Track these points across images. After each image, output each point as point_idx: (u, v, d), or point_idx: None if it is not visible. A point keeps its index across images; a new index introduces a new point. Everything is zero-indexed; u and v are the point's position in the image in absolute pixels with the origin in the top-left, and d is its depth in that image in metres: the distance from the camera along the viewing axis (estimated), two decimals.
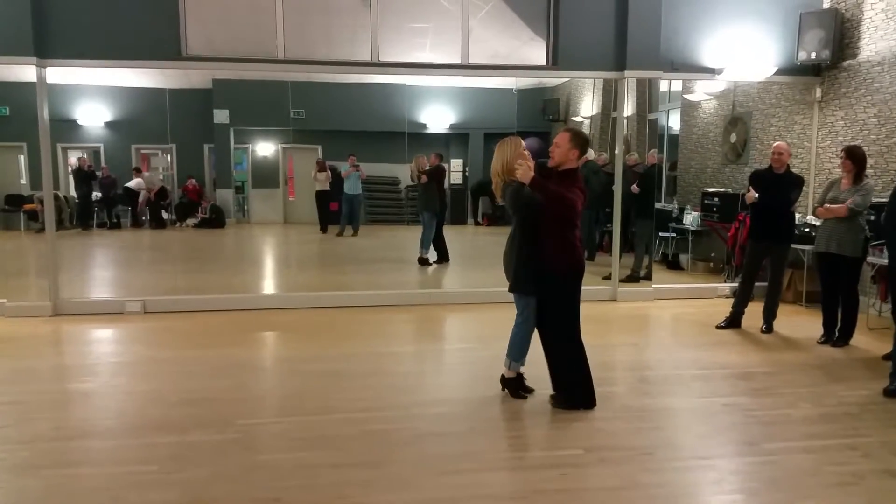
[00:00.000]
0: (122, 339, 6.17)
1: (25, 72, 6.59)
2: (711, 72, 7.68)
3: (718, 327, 6.45)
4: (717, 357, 5.53)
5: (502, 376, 4.50)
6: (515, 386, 4.46)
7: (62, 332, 6.34)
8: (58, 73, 7.27)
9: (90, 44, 6.66)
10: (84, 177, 14.67)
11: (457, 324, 6.99)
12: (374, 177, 16.31)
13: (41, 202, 14.48)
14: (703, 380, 4.96)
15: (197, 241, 13.83)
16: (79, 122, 15.34)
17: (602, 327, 6.50)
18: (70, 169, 15.23)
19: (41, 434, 3.89)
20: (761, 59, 7.69)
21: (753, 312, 6.45)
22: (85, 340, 6.21)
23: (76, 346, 6.08)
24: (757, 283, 6.49)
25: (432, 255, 10.10)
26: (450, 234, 14.88)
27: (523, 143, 4.35)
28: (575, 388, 4.26)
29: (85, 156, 15.20)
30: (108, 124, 15.60)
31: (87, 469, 3.44)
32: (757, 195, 6.15)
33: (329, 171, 14.67)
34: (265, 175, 16.85)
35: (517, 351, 4.38)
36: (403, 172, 16.92)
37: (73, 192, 14.93)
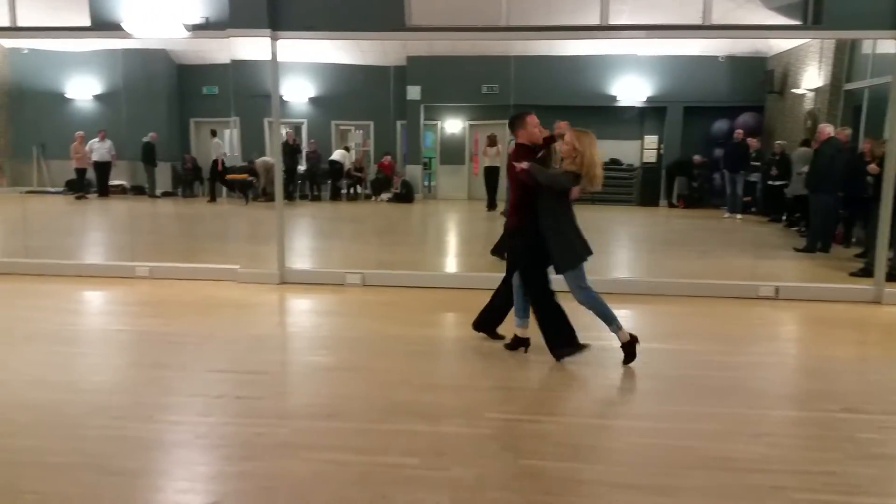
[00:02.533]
0: (349, 311, 6.15)
1: (235, 51, 6.74)
2: None
3: None
4: None
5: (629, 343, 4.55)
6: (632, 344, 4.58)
7: (292, 302, 6.47)
8: (262, 50, 7.40)
9: (319, 16, 6.67)
10: (290, 151, 15.40)
11: (676, 319, 6.30)
12: None
13: (251, 173, 15.51)
14: None
15: (392, 215, 14.08)
16: (284, 97, 16.11)
17: (861, 336, 5.55)
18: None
19: (294, 410, 3.82)
20: None
21: None
22: (314, 311, 6.30)
23: (308, 317, 6.17)
24: None
25: None
26: (641, 216, 13.99)
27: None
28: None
29: (291, 130, 15.96)
30: (312, 100, 16.27)
31: (348, 455, 3.26)
32: None
33: (499, 147, 14.19)
34: (452, 151, 16.81)
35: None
36: None
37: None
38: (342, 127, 16.93)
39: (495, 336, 5.10)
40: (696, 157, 15.88)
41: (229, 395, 4.01)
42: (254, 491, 2.95)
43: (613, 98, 16.04)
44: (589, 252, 4.60)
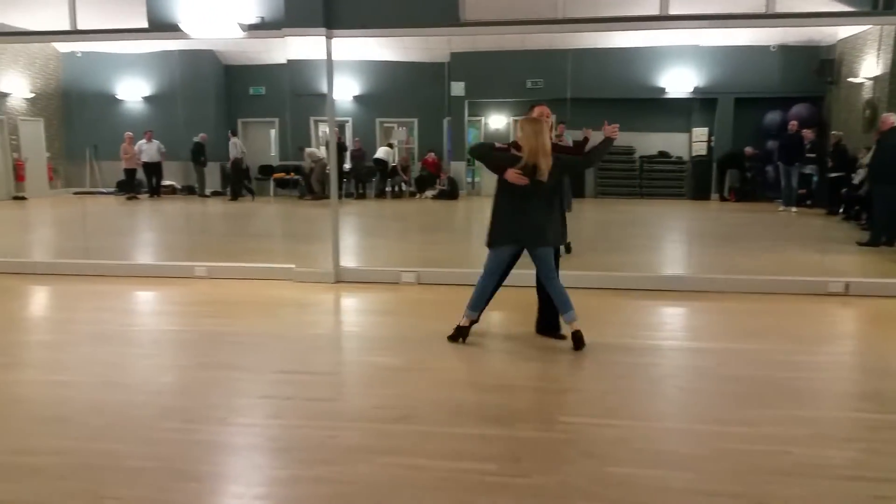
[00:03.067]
0: (406, 310, 6.10)
1: (280, 52, 6.72)
2: None
3: None
4: None
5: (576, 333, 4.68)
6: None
7: (349, 301, 6.45)
8: (309, 49, 7.38)
9: (373, 13, 6.63)
10: (336, 149, 15.45)
11: (744, 318, 6.08)
12: None
13: (297, 171, 15.62)
14: None
15: (438, 212, 14.02)
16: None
17: None
18: (323, 141, 16.19)
19: (364, 413, 3.77)
20: None
21: None
22: (372, 310, 6.25)
23: (366, 317, 6.13)
24: None
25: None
26: (691, 209, 13.69)
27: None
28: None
29: (336, 129, 16.02)
30: (356, 98, 16.31)
31: (423, 460, 3.19)
32: None
33: None
34: None
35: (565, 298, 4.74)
36: (638, 141, 15.88)
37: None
38: (386, 124, 16.94)
39: (558, 336, 4.99)
40: (748, 150, 15.49)
41: (298, 396, 3.97)
42: (331, 496, 2.90)
43: (662, 90, 15.73)
44: (513, 241, 4.77)
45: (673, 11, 6.46)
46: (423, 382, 4.22)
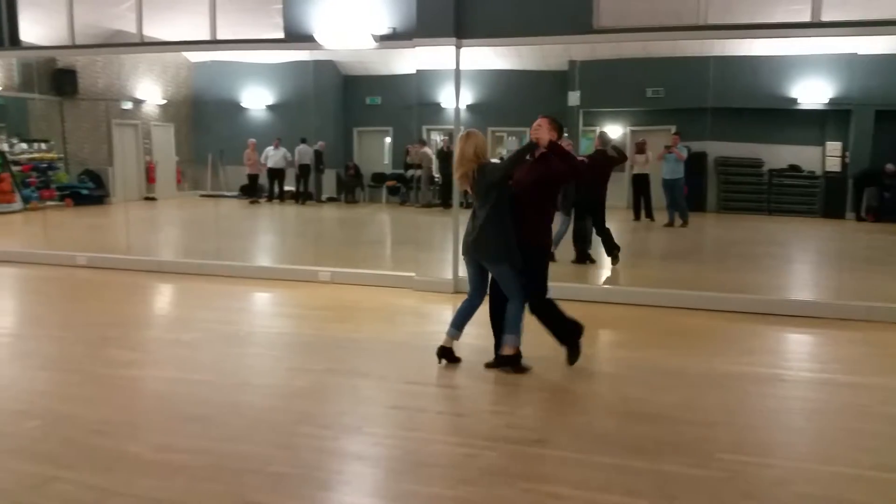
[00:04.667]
0: (531, 325, 5.90)
1: (398, 63, 6.74)
2: None
3: None
4: None
5: (502, 357, 4.47)
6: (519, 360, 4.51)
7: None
8: (428, 59, 7.34)
9: (504, 22, 6.54)
10: (444, 158, 15.53)
11: (893, 351, 5.51)
12: (731, 158, 14.76)
13: (399, 179, 15.84)
14: None
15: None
16: (442, 104, 16.28)
17: None
18: (435, 149, 16.31)
19: (498, 432, 3.62)
20: None
21: None
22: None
23: (489, 329, 5.99)
24: None
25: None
26: (824, 228, 12.81)
27: None
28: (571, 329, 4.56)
29: (446, 137, 16.10)
30: (469, 107, 16.32)
31: (567, 489, 3.01)
32: None
33: (649, 154, 13.29)
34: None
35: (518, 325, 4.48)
36: (767, 153, 15.01)
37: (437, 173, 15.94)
38: (497, 133, 16.84)
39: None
40: (889, 167, 14.28)
41: (430, 409, 3.91)
42: None
43: (793, 101, 14.80)
44: (463, 252, 4.62)
45: (825, 18, 6.00)
46: (555, 404, 4.06)
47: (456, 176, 4.58)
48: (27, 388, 4.26)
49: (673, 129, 15.09)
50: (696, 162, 14.02)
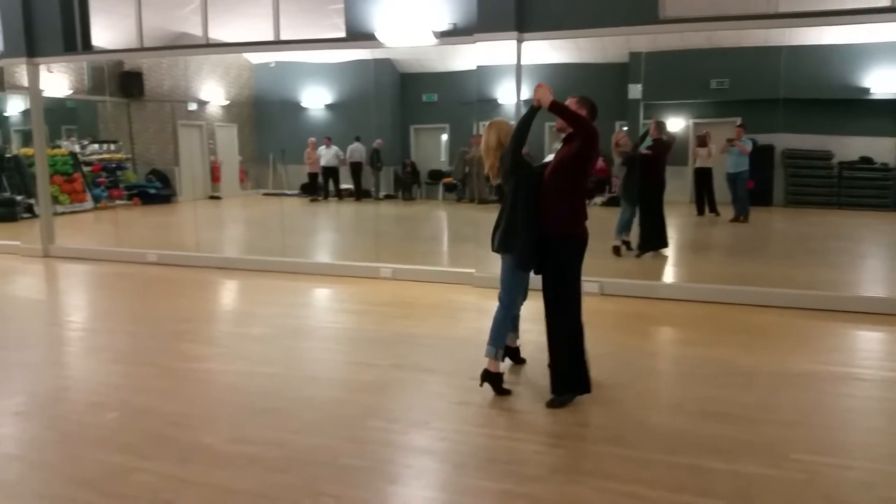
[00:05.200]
0: (592, 322, 5.73)
1: (453, 60, 6.70)
2: None
3: None
4: None
5: (484, 372, 4.04)
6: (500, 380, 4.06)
7: (529, 309, 6.22)
8: (486, 55, 7.28)
9: (566, 14, 6.44)
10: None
11: None
12: (799, 150, 14.24)
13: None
14: None
15: (609, 219, 13.53)
16: (499, 100, 16.22)
17: None
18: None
19: (565, 430, 3.58)
20: None
21: None
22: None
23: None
24: None
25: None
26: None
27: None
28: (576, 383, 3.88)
29: None
30: (526, 102, 16.21)
31: (642, 489, 2.96)
32: None
33: (711, 147, 12.88)
34: (672, 152, 15.86)
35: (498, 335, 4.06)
36: (837, 145, 14.44)
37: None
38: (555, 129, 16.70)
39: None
40: None
41: (496, 405, 3.89)
42: None
43: (866, 90, 14.19)
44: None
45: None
46: (627, 402, 3.97)
47: (485, 169, 4.28)
48: (104, 381, 4.43)
49: (738, 121, 14.66)
50: (763, 155, 13.59)
